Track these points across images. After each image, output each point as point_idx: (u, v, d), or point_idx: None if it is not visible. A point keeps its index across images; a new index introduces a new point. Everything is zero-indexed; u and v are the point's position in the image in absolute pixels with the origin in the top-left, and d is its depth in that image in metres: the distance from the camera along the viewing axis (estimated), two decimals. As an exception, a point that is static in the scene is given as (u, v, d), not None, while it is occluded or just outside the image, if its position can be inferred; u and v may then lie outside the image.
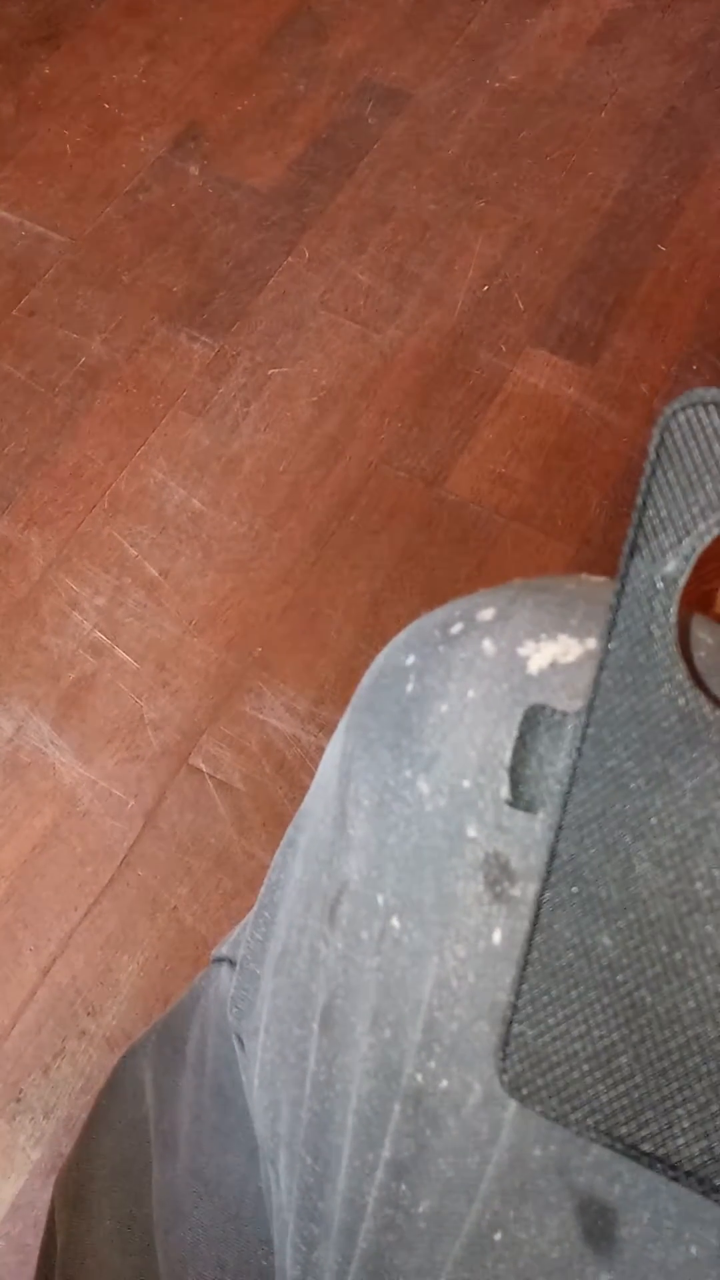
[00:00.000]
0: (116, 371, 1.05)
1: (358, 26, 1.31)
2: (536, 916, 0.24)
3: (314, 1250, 0.30)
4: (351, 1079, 0.28)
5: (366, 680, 0.31)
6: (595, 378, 1.07)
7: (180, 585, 0.94)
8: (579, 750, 0.25)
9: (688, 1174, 0.22)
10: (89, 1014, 0.77)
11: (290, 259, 1.12)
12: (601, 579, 0.29)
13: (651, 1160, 0.23)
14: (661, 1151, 0.22)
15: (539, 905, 0.24)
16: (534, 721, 0.26)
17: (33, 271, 1.11)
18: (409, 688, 0.28)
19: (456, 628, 0.28)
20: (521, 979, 0.24)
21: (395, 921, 0.27)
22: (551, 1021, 0.24)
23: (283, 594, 0.93)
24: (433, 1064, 0.26)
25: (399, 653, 0.30)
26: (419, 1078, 0.26)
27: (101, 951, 0.79)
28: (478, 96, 1.25)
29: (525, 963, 0.24)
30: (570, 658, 0.26)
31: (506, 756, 0.26)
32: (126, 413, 1.02)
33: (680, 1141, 0.22)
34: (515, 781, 0.26)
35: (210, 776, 0.85)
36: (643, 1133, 0.23)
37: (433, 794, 0.27)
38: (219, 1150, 0.38)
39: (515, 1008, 0.24)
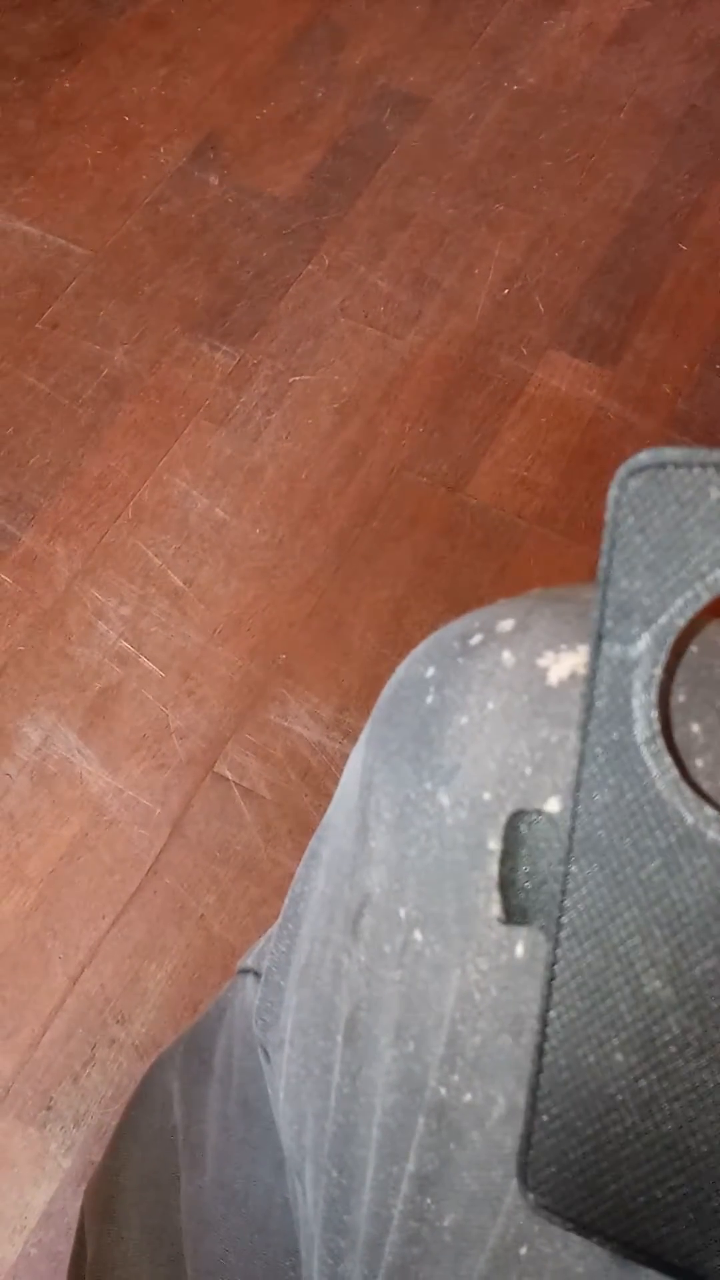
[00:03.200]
0: (139, 382, 1.05)
1: (374, 34, 1.31)
2: (544, 1034, 0.23)
3: (340, 1263, 0.30)
4: (375, 1092, 0.28)
5: (387, 692, 0.31)
6: (617, 379, 1.06)
7: (204, 594, 0.94)
8: (568, 855, 0.23)
9: None
10: (118, 1022, 0.78)
11: (310, 267, 1.13)
12: None
13: (687, 1277, 0.21)
14: (701, 1270, 0.21)
15: (544, 1023, 0.23)
16: (515, 828, 0.24)
17: (55, 284, 1.12)
18: (429, 700, 0.28)
19: (476, 639, 0.28)
20: (535, 1101, 0.23)
21: (417, 934, 0.27)
22: (573, 1142, 0.22)
23: (306, 601, 0.94)
24: (456, 1077, 0.26)
25: (418, 664, 0.30)
26: (442, 1091, 0.26)
27: (130, 960, 0.79)
28: (495, 100, 1.25)
29: (536, 1084, 0.23)
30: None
31: (528, 770, 0.26)
32: (149, 423, 1.03)
33: (717, 1261, 0.21)
34: (505, 895, 0.24)
35: (236, 784, 0.86)
36: (680, 1250, 0.21)
37: (453, 806, 0.27)
38: (246, 1162, 0.38)
39: (532, 1127, 0.23)
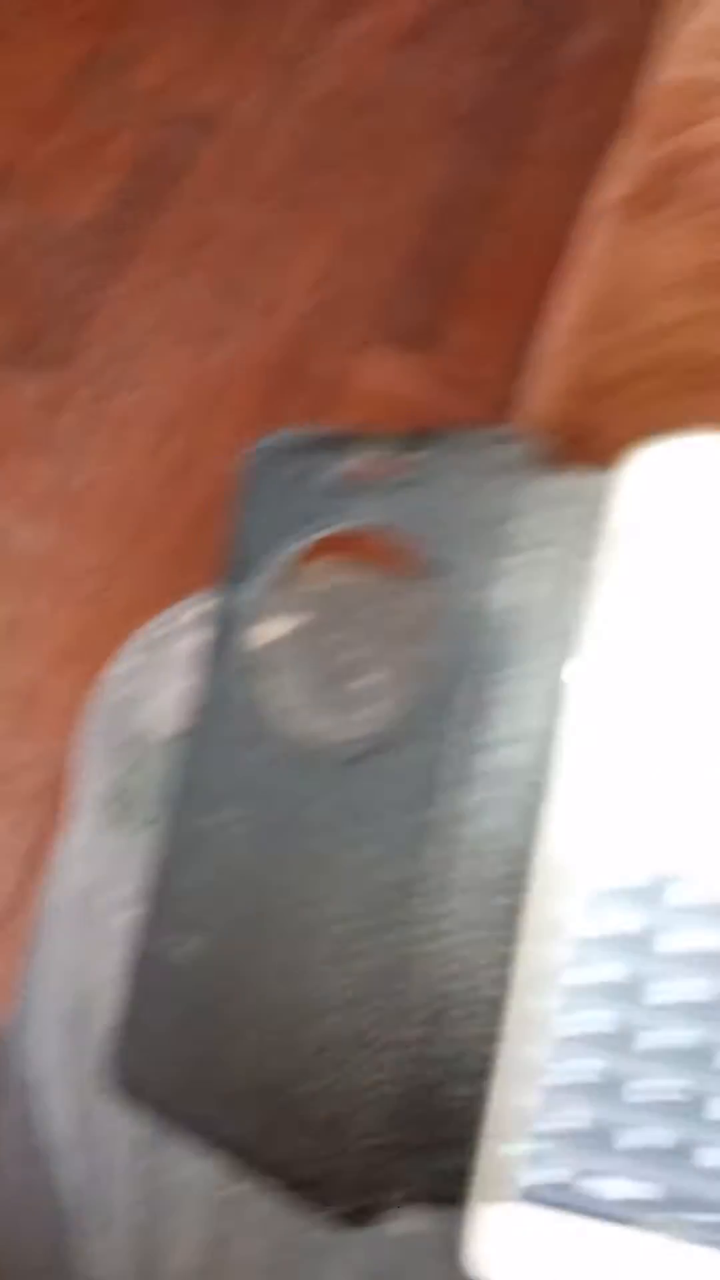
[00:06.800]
0: (-46, 422, 1.04)
1: (162, 55, 1.31)
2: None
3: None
4: None
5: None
6: (437, 369, 1.08)
7: (37, 627, 0.92)
8: (186, 753, 0.27)
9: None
10: None
11: (119, 289, 1.12)
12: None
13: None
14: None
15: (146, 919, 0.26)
16: (138, 745, 0.29)
17: None
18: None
19: (159, 632, 0.33)
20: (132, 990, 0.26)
21: None
22: (152, 1027, 0.25)
23: (142, 620, 0.93)
24: None
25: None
26: None
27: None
28: (291, 110, 1.26)
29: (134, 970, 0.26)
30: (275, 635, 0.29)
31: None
32: (-32, 461, 1.01)
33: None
34: (121, 802, 0.29)
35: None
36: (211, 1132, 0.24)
37: None
38: None
39: (124, 1024, 0.25)
